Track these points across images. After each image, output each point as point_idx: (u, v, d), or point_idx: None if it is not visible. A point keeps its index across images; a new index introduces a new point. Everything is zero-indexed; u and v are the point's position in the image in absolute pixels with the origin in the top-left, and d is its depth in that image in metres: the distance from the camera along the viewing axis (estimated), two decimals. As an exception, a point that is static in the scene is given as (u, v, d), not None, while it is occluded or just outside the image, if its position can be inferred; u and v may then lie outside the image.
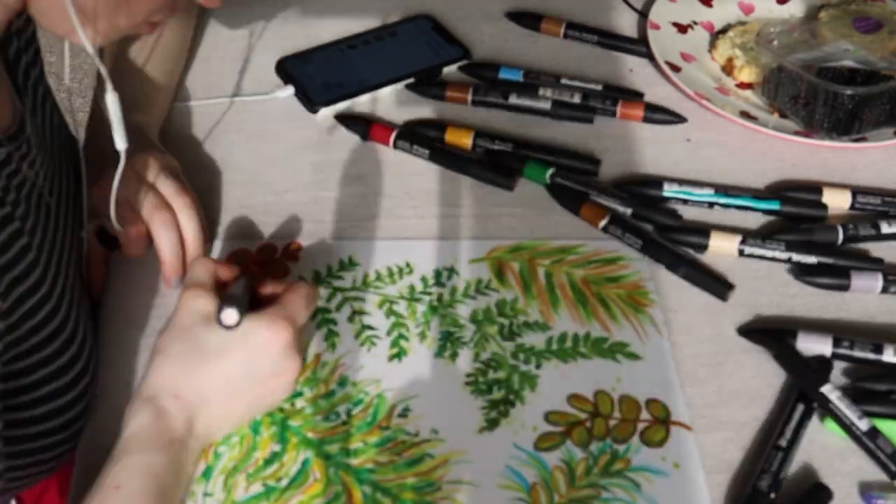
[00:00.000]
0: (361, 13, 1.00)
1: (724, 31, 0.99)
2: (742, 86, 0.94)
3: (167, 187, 0.73)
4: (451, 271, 0.76)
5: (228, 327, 0.62)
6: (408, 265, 0.76)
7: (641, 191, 0.81)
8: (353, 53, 0.94)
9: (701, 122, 0.89)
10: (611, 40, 0.97)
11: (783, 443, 0.64)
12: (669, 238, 0.78)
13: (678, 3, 1.01)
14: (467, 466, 0.64)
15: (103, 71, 0.64)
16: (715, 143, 0.88)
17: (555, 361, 0.70)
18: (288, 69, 0.92)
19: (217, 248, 0.77)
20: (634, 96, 0.91)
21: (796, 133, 0.87)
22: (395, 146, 0.86)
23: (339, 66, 0.93)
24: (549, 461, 0.64)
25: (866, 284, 0.75)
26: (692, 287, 0.75)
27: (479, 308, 0.73)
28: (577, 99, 0.89)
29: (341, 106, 0.90)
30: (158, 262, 0.73)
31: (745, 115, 0.89)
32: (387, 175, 0.84)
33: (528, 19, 0.99)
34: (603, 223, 0.78)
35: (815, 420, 0.67)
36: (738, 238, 0.77)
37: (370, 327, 0.72)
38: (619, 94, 0.91)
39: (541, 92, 0.90)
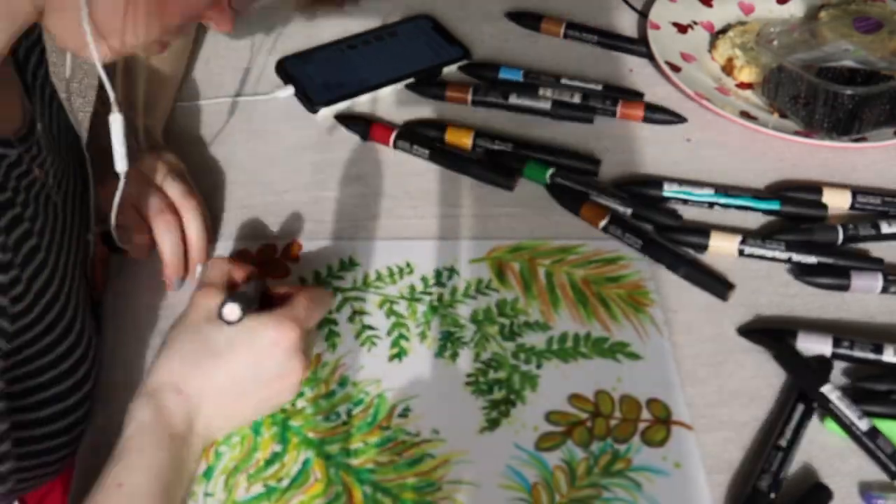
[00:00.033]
0: (361, 13, 1.00)
1: (724, 31, 0.99)
2: (742, 86, 0.94)
3: (173, 189, 0.73)
4: (452, 271, 0.76)
5: (230, 322, 0.62)
6: (408, 265, 0.76)
7: (641, 191, 0.81)
8: (353, 53, 0.94)
9: (701, 122, 0.89)
10: (611, 40, 0.97)
11: (783, 443, 0.64)
12: (669, 238, 0.78)
13: (678, 3, 1.01)
14: (468, 466, 0.64)
15: (111, 93, 0.63)
16: (715, 143, 0.88)
17: (555, 361, 0.70)
18: (288, 69, 0.92)
19: (217, 248, 0.77)
20: (634, 96, 0.91)
21: (796, 133, 0.87)
22: (395, 146, 0.86)
23: (339, 66, 0.93)
24: (550, 461, 0.64)
25: (866, 284, 0.75)
26: (692, 287, 0.75)
27: (479, 308, 0.73)
28: (577, 99, 0.89)
29: (341, 106, 0.90)
30: (160, 263, 0.73)
31: (745, 115, 0.89)
32: (387, 175, 0.84)
33: (528, 19, 0.99)
34: (603, 223, 0.78)
35: (815, 420, 0.67)
36: (738, 238, 0.77)
37: (370, 327, 0.72)
38: (619, 94, 0.91)
39: (541, 92, 0.90)
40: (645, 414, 0.67)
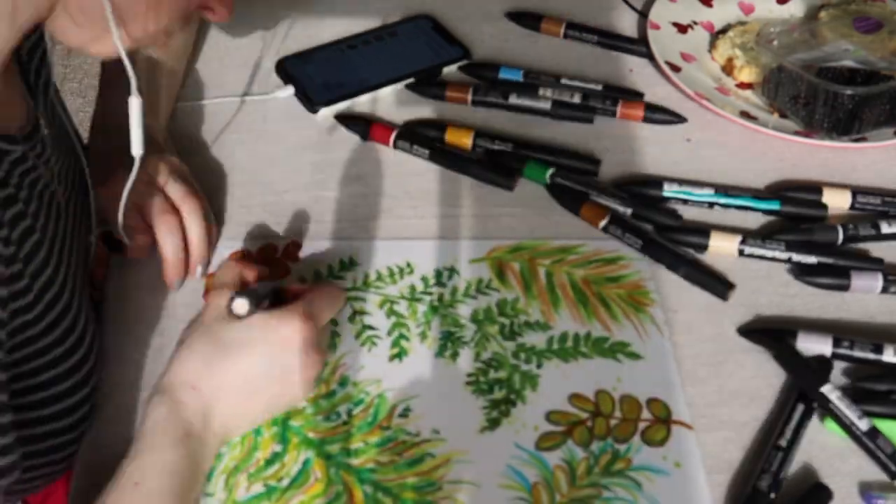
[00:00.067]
0: (361, 13, 1.00)
1: (724, 31, 0.99)
2: (742, 86, 0.94)
3: (175, 191, 0.74)
4: (452, 271, 0.76)
5: (239, 316, 0.63)
6: (408, 265, 0.76)
7: (641, 191, 0.81)
8: (353, 53, 0.94)
9: (701, 122, 0.89)
10: (611, 40, 0.97)
11: (783, 443, 0.64)
12: (669, 238, 0.78)
13: (678, 3, 1.01)
14: (468, 466, 0.64)
15: (132, 77, 0.63)
16: (715, 143, 0.88)
17: (556, 361, 0.70)
18: (288, 69, 0.92)
19: (217, 248, 0.77)
20: (634, 96, 0.91)
21: (796, 133, 0.87)
22: (395, 146, 0.86)
23: (339, 66, 0.93)
24: (551, 461, 0.64)
25: (866, 284, 0.75)
26: (692, 287, 0.75)
27: (479, 308, 0.73)
28: (577, 99, 0.89)
29: (341, 106, 0.90)
30: (161, 263, 0.73)
31: (745, 115, 0.89)
32: (387, 175, 0.84)
33: (528, 19, 0.99)
34: (603, 223, 0.78)
35: (815, 420, 0.67)
36: (738, 238, 0.77)
37: (371, 327, 0.72)
38: (619, 94, 0.91)
39: (541, 92, 0.90)
40: (645, 414, 0.67)
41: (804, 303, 0.75)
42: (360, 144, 0.87)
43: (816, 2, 1.01)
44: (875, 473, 0.64)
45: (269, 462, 0.64)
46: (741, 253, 0.77)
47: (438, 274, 0.76)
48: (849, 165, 0.86)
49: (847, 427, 0.65)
